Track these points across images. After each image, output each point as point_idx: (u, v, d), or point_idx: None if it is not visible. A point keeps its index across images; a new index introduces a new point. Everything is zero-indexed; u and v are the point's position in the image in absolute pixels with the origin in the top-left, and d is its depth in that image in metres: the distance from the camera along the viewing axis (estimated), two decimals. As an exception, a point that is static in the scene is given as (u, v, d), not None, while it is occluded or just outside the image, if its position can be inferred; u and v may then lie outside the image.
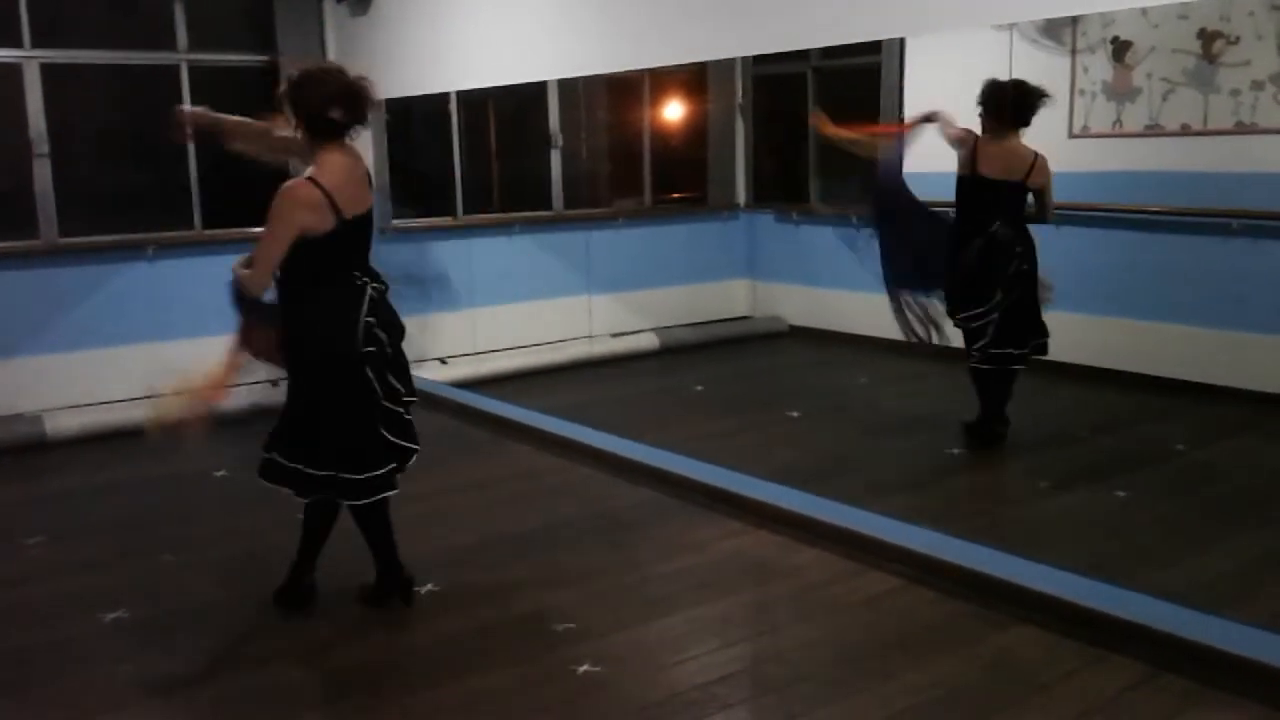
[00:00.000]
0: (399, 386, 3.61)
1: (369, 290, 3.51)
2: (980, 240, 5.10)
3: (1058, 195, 5.25)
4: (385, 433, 3.57)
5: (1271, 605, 3.59)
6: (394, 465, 3.61)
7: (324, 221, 3.39)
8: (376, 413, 3.55)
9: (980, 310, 5.14)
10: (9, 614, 3.84)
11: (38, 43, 6.17)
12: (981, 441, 5.34)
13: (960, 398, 5.46)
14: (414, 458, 3.69)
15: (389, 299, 3.61)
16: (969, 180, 5.15)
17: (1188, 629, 3.26)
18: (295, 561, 3.76)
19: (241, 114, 3.85)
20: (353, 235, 3.50)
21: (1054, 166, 5.17)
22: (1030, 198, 5.22)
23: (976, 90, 5.13)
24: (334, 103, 3.41)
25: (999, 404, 5.32)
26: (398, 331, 3.63)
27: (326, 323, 3.48)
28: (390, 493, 3.65)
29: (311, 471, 3.53)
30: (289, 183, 3.41)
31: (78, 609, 3.81)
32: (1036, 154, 5.12)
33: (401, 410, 3.63)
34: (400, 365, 3.65)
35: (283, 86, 3.51)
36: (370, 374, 3.52)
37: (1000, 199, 5.13)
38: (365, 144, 6.86)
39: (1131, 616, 3.37)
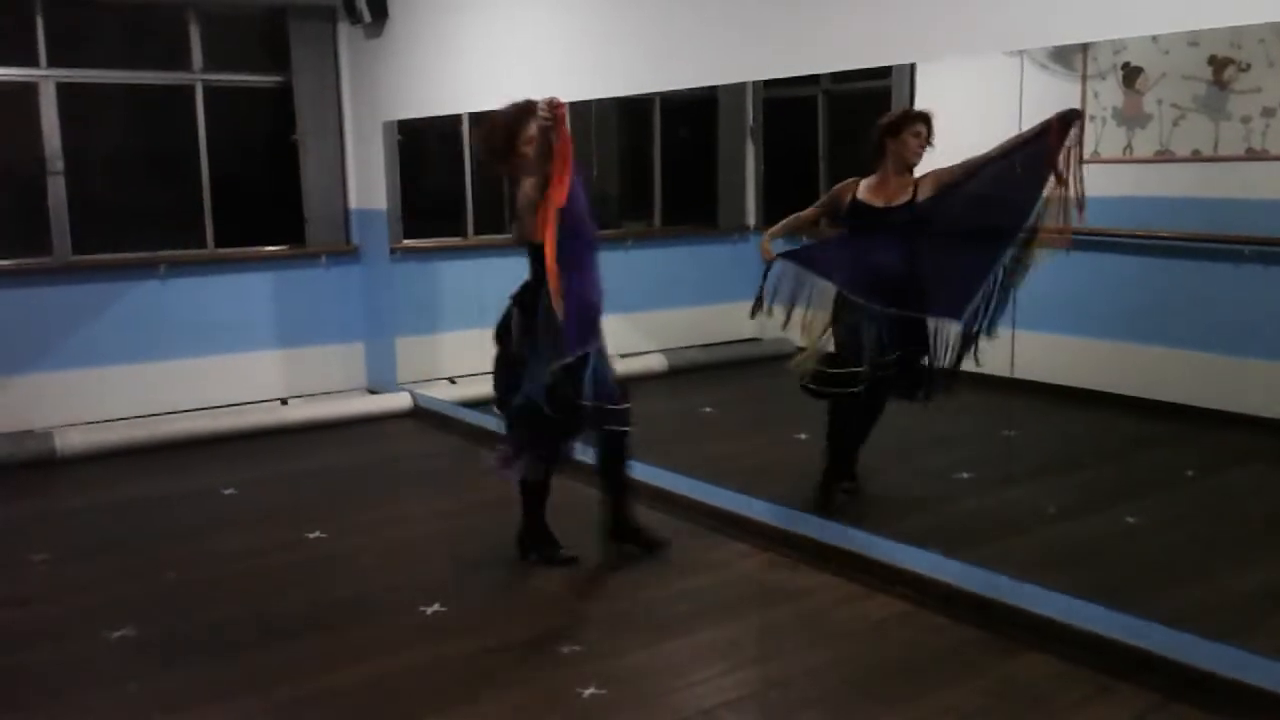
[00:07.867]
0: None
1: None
2: None
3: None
4: None
5: (1283, 634, 3.56)
6: None
7: None
8: None
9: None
10: (15, 631, 3.84)
11: (54, 61, 6.23)
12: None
13: (969, 421, 5.44)
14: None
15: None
16: None
17: (1198, 657, 3.24)
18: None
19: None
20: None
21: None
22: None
23: (982, 113, 5.13)
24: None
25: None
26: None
27: None
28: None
29: None
30: None
31: (84, 626, 3.82)
32: None
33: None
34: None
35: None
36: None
37: None
38: (377, 165, 6.98)
39: (1141, 644, 3.35)
